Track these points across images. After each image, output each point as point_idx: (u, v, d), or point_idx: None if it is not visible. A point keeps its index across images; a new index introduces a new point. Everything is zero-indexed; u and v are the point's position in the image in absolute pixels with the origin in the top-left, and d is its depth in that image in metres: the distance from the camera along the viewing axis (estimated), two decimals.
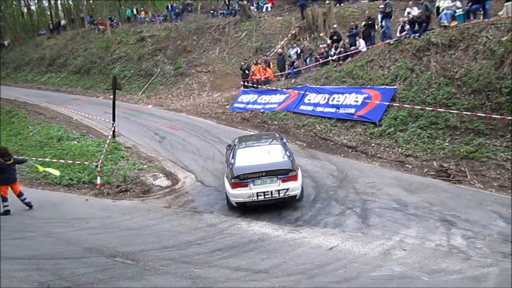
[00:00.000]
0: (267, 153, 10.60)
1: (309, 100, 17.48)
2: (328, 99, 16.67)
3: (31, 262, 7.98)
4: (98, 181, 13.28)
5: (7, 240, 9.27)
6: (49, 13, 50.80)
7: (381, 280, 6.60)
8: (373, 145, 14.08)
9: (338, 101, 16.29)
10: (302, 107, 17.60)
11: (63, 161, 14.81)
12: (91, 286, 6.86)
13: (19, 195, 11.31)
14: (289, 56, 21.23)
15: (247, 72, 21.75)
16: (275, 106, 18.85)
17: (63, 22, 43.23)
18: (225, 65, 26.35)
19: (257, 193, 9.77)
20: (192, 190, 12.38)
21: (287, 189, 9.79)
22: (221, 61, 26.87)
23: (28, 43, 43.30)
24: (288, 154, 10.56)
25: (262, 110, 19.15)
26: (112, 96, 17.55)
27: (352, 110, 15.57)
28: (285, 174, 9.86)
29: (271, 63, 21.90)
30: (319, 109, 16.86)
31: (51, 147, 16.90)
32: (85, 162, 14.47)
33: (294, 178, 9.95)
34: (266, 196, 9.80)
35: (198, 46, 28.94)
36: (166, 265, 7.55)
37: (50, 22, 45.55)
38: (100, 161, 14.12)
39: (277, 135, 12.39)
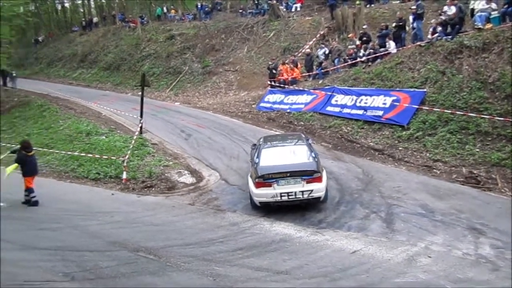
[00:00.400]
0: (292, 154, 10.52)
1: (336, 101, 17.31)
2: (356, 101, 16.47)
3: (56, 253, 8.17)
4: (124, 176, 13.47)
5: (35, 231, 9.55)
6: (82, 10, 52.02)
7: (404, 287, 6.46)
8: (400, 148, 13.83)
9: (365, 103, 16.07)
10: (329, 108, 17.43)
11: (91, 155, 15.09)
12: (114, 279, 6.96)
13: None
14: (317, 56, 21.08)
15: (274, 71, 21.70)
16: (301, 106, 18.74)
17: (95, 19, 44.09)
18: (252, 65, 26.36)
19: (281, 193, 9.71)
20: (216, 188, 12.42)
21: (311, 191, 9.70)
22: (248, 60, 26.89)
23: (61, 40, 44.39)
24: (313, 155, 10.46)
25: (288, 110, 19.06)
26: (140, 93, 17.78)
27: (380, 113, 15.33)
28: (310, 175, 9.77)
29: (298, 63, 21.79)
30: (346, 110, 16.67)
31: (80, 141, 17.24)
32: (112, 157, 14.71)
33: (319, 179, 9.85)
34: (289, 197, 9.72)
35: (227, 45, 29.05)
36: (188, 262, 7.62)
37: (83, 19, 46.63)
38: (127, 156, 14.32)
39: (303, 136, 12.28)
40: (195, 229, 9.43)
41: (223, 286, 6.70)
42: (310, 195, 9.72)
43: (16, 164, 11.41)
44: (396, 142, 14.19)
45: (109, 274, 7.17)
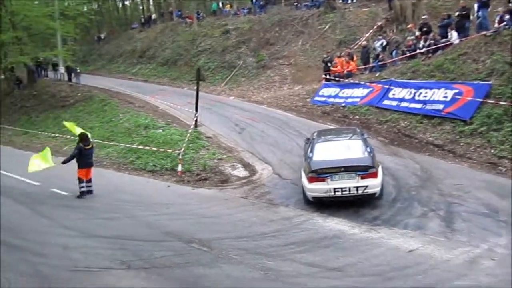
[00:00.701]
0: (346, 148, 10.27)
1: (393, 94, 16.74)
2: (415, 94, 15.83)
3: (115, 241, 8.52)
4: (179, 168, 13.79)
5: (95, 220, 9.99)
6: (141, 8, 53.66)
7: None
8: (462, 144, 13.14)
9: (425, 96, 15.40)
10: (385, 102, 16.90)
11: (148, 148, 15.58)
12: (168, 269, 7.15)
13: (89, 180, 11.92)
14: (374, 48, 20.48)
15: (329, 65, 21.34)
16: (357, 100, 18.30)
17: (153, 16, 45.32)
18: (307, 58, 26.05)
19: (335, 188, 9.50)
20: (269, 182, 12.42)
21: (366, 186, 9.44)
22: (303, 53, 26.61)
23: (122, 36, 45.97)
24: (369, 150, 10.20)
25: (343, 104, 18.68)
26: (196, 87, 18.08)
27: (441, 106, 14.64)
28: (365, 170, 9.52)
29: (354, 56, 21.28)
30: (404, 104, 16.08)
31: (138, 134, 17.83)
32: (169, 150, 15.09)
33: (374, 175, 9.56)
34: (343, 192, 9.52)
35: (281, 38, 28.89)
36: (240, 254, 7.66)
37: (142, 16, 48.15)
38: (182, 149, 14.65)
39: (358, 130, 11.97)
40: (248, 223, 9.47)
41: (274, 280, 6.68)
42: (365, 191, 9.46)
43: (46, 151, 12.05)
44: (458, 137, 13.49)
45: (163, 264, 7.38)
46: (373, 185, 9.52)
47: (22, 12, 28.55)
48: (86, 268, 7.38)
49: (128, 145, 16.55)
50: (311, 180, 9.75)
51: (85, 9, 40.34)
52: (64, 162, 11.92)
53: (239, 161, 14.49)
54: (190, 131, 16.44)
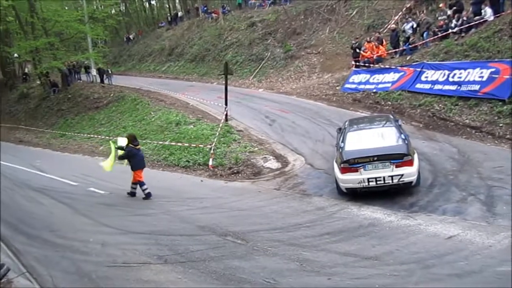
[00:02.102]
0: (379, 136, 9.93)
1: (426, 77, 16.26)
2: (448, 76, 15.32)
3: (151, 237, 8.66)
4: (210, 163, 13.89)
5: (131, 216, 10.18)
6: (167, 6, 54.14)
7: (508, 276, 5.84)
8: (501, 125, 12.64)
9: (459, 77, 14.88)
10: (418, 86, 16.44)
11: (180, 144, 15.76)
12: (204, 263, 7.21)
13: (135, 182, 11.65)
14: (404, 31, 19.92)
15: (358, 51, 20.94)
16: (388, 85, 17.88)
17: (180, 13, 45.67)
18: (335, 45, 25.67)
19: (368, 178, 9.21)
20: (302, 173, 12.33)
21: (402, 175, 9.08)
22: (331, 41, 26.23)
23: (150, 36, 46.59)
24: (403, 137, 9.81)
25: (374, 90, 18.29)
26: (224, 82, 18.12)
27: (476, 87, 14.11)
28: (400, 159, 9.14)
29: (383, 40, 20.79)
30: (437, 87, 15.59)
31: (170, 131, 18.05)
32: (200, 145, 15.22)
33: (410, 163, 9.19)
34: (378, 182, 9.20)
35: (308, 27, 28.57)
36: (275, 246, 7.64)
37: (169, 14, 48.56)
38: (214, 144, 14.73)
39: (391, 117, 11.49)
40: (281, 214, 9.43)
41: (310, 271, 6.62)
42: (400, 180, 9.11)
43: (114, 156, 11.66)
44: (496, 118, 12.98)
45: (199, 258, 7.44)
46: (408, 173, 9.14)
47: (53, 18, 29.35)
48: (125, 263, 7.54)
49: (160, 142, 16.80)
50: (343, 170, 9.47)
51: (113, 11, 41.01)
52: (120, 158, 11.77)
53: (271, 153, 14.44)
54: (220, 125, 16.50)
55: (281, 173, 12.74)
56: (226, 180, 12.88)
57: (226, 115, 17.58)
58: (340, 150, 10.00)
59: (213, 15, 37.80)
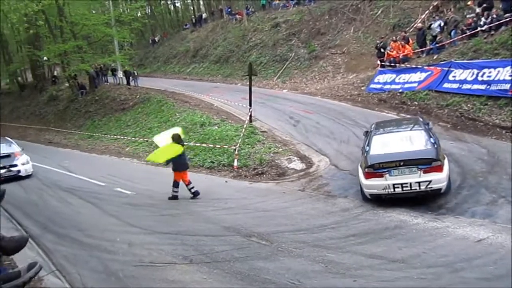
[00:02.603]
0: (407, 140, 9.54)
1: (454, 77, 15.95)
2: (477, 75, 14.98)
3: (176, 237, 8.75)
4: (235, 163, 13.93)
5: (157, 216, 10.30)
6: (191, 8, 54.63)
7: None
8: None
9: (489, 76, 14.54)
10: (446, 85, 16.13)
11: (205, 145, 15.86)
12: (229, 263, 7.23)
13: (187, 183, 11.53)
14: (430, 29, 19.55)
15: (383, 50, 20.68)
16: (415, 85, 17.60)
17: (204, 15, 46.03)
18: (360, 45, 25.43)
19: (394, 184, 8.82)
20: (326, 174, 12.26)
21: (430, 182, 8.64)
22: (356, 41, 25.99)
23: (175, 38, 47.11)
24: (432, 141, 9.36)
25: (400, 90, 18.04)
26: (248, 83, 18.16)
27: (507, 86, 13.74)
28: (428, 164, 8.71)
29: (410, 40, 20.47)
30: (466, 86, 15.27)
31: (195, 132, 18.19)
32: (225, 146, 15.30)
33: (439, 169, 8.72)
34: (404, 189, 8.80)
35: (332, 27, 28.38)
36: (299, 247, 7.61)
37: (193, 16, 49.02)
38: (238, 145, 14.79)
39: (421, 120, 10.97)
40: (306, 215, 9.38)
41: (335, 272, 6.57)
42: (428, 186, 8.66)
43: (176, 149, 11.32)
44: None
45: (224, 258, 7.47)
46: (437, 180, 8.68)
47: (81, 21, 29.99)
48: (151, 263, 7.63)
49: (185, 143, 16.91)
50: (367, 175, 9.13)
51: (139, 14, 41.60)
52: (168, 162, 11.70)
53: (295, 153, 14.40)
54: (245, 126, 16.56)
55: (305, 174, 12.69)
56: (251, 181, 12.91)
57: (251, 116, 17.62)
58: (365, 154, 9.69)
59: (237, 16, 37.97)
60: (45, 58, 35.54)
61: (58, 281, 7.22)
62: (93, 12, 36.82)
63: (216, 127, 18.07)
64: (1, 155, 15.89)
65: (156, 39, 50.25)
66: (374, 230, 8.07)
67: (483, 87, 14.59)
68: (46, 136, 29.44)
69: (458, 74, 15.80)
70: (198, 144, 16.23)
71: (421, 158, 8.85)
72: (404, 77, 18.51)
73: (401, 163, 8.82)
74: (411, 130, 10.14)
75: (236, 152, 14.33)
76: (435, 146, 9.26)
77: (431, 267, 6.36)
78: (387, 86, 18.93)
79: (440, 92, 16.22)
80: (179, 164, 11.40)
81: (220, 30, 39.10)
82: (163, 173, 14.23)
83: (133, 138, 21.18)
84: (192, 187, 11.52)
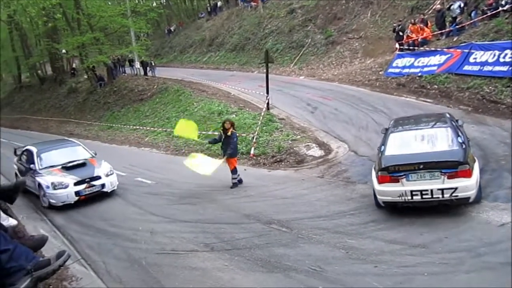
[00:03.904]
0: (429, 139, 8.24)
1: (475, 59, 15.61)
2: (499, 56, 14.64)
3: (197, 225, 8.88)
4: (252, 151, 13.98)
5: (178, 205, 10.43)
6: None
7: None
8: None
9: (511, 57, 14.20)
10: (466, 68, 15.81)
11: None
12: (249, 250, 7.31)
13: (233, 171, 11.44)
14: (450, 10, 19.13)
15: (401, 34, 20.33)
16: (434, 68, 17.30)
17: (219, 3, 45.79)
18: (377, 29, 25.01)
19: (412, 191, 7.56)
20: (345, 160, 12.21)
21: (455, 189, 7.36)
22: (373, 25, 25.58)
23: (190, 27, 47.05)
24: (460, 141, 7.99)
25: (419, 74, 17.75)
26: (265, 70, 18.10)
27: None
28: (453, 168, 7.41)
29: (428, 22, 20.07)
30: (487, 68, 14.95)
31: (213, 121, 18.26)
32: (243, 134, 15.31)
33: (466, 173, 7.41)
34: (424, 196, 7.53)
35: (349, 11, 27.96)
36: (319, 234, 7.65)
37: (208, 5, 48.79)
38: (256, 132, 14.80)
39: (447, 116, 9.48)
40: (325, 202, 9.38)
41: (356, 258, 6.58)
42: (453, 194, 7.38)
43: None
44: None
45: (244, 245, 7.56)
46: (464, 187, 7.38)
47: (98, 13, 30.22)
48: (173, 251, 7.77)
49: (204, 132, 17.03)
50: (381, 179, 7.89)
51: (154, 4, 41.71)
52: (210, 142, 12.19)
53: (314, 140, 14.36)
54: (262, 114, 16.54)
55: (324, 160, 12.65)
56: (269, 168, 12.94)
57: (268, 103, 17.58)
58: (380, 154, 8.51)
59: (252, 3, 37.67)
60: (63, 50, 35.95)
61: (84, 269, 7.41)
62: (109, 3, 37.05)
63: (234, 116, 18.07)
64: (73, 164, 11.77)
65: (172, 28, 50.26)
66: (394, 215, 8.03)
67: (505, 68, 14.26)
68: (67, 128, 29.92)
69: (479, 56, 15.46)
70: (217, 133, 16.27)
71: (446, 161, 7.56)
72: (423, 60, 18.20)
73: (421, 166, 7.59)
74: (435, 127, 8.75)
75: (254, 140, 14.35)
76: (463, 146, 7.91)
77: (454, 252, 6.32)
78: (406, 70, 18.64)
79: (460, 75, 15.92)
80: (223, 149, 11.47)
81: (235, 18, 38.90)
82: (181, 163, 14.35)
83: (152, 128, 21.37)
84: (235, 178, 11.44)
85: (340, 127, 14.94)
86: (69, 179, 11.13)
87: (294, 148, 13.84)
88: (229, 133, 11.29)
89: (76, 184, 11.09)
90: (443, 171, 7.47)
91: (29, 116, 36.91)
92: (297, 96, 20.14)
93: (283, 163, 13.16)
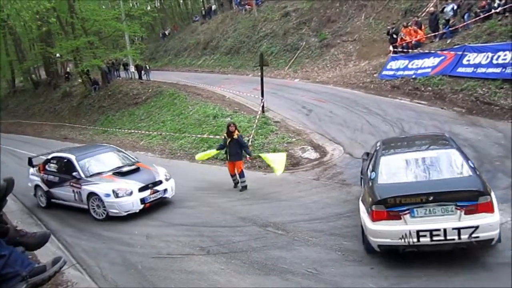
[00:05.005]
0: (433, 164, 6.69)
1: (468, 61, 15.71)
2: (492, 58, 14.76)
3: (193, 228, 8.86)
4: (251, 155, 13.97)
5: (173, 209, 10.40)
6: (201, 0, 54.48)
7: None
8: None
9: (504, 59, 14.31)
10: (460, 70, 15.92)
11: (218, 137, 15.88)
12: (246, 253, 7.31)
13: (240, 174, 11.43)
14: (443, 12, 19.25)
15: (395, 36, 20.44)
16: (428, 70, 17.39)
17: (213, 7, 45.85)
18: (371, 32, 25.15)
19: (418, 231, 5.88)
20: (341, 162, 12.24)
21: (475, 228, 5.74)
22: (367, 28, 25.71)
23: (185, 30, 47.06)
24: (472, 166, 6.57)
25: (413, 76, 17.85)
26: (260, 73, 18.11)
27: None
28: (472, 200, 5.85)
29: (422, 25, 20.19)
30: (480, 70, 15.06)
31: (208, 124, 18.24)
32: None
33: (488, 207, 5.88)
34: (434, 238, 5.87)
35: (343, 14, 28.10)
36: (315, 236, 7.66)
37: (202, 8, 48.84)
38: (251, 135, 14.80)
39: (447, 136, 8.06)
40: (321, 204, 9.39)
41: (352, 260, 6.59)
42: (473, 235, 5.76)
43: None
44: None
45: (241, 248, 7.56)
46: (487, 225, 5.78)
47: (92, 17, 30.14)
48: (169, 254, 7.75)
49: (199, 136, 17.04)
50: (376, 216, 6.14)
51: (149, 8, 41.68)
52: (218, 149, 12.03)
53: (309, 143, 14.38)
54: (257, 117, 16.55)
55: (319, 163, 12.68)
56: (265, 171, 12.91)
57: (263, 106, 17.59)
58: (370, 183, 6.72)
59: (247, 7, 37.76)
60: (57, 55, 35.86)
61: (79, 274, 7.37)
62: (103, 7, 36.99)
63: (229, 119, 18.04)
64: (127, 169, 10.77)
65: (167, 32, 50.27)
66: None
67: (498, 70, 14.37)
68: (61, 132, 29.75)
69: (472, 58, 15.57)
70: (212, 136, 16.28)
71: (463, 191, 5.97)
72: (417, 62, 18.30)
73: (431, 198, 5.93)
74: (437, 149, 7.18)
75: (250, 143, 14.34)
76: (477, 172, 6.46)
77: (450, 252, 6.33)
78: (400, 72, 18.74)
79: (454, 76, 16.02)
80: (227, 153, 11.42)
81: (230, 21, 38.96)
82: (177, 166, 14.37)
83: (147, 132, 21.32)
84: (243, 181, 11.41)
85: (335, 130, 14.97)
86: (133, 185, 10.03)
87: (290, 151, 13.83)
88: (235, 136, 11.26)
89: (140, 190, 10.07)
90: (459, 204, 5.87)
91: (23, 121, 36.68)
92: (292, 99, 20.18)
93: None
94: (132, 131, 22.89)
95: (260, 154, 12.46)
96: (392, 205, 6.04)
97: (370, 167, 7.30)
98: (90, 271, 7.53)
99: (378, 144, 8.06)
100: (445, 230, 5.82)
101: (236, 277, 6.63)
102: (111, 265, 7.68)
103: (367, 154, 8.78)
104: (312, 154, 13.49)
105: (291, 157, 13.42)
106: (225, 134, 11.52)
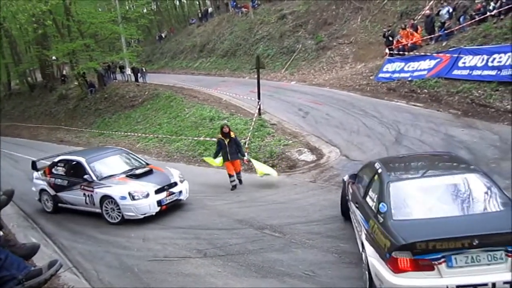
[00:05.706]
0: (461, 193, 5.38)
1: (464, 63, 15.77)
2: (487, 61, 14.81)
3: (190, 231, 8.85)
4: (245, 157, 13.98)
5: (170, 211, 10.37)
6: (197, 2, 54.57)
7: None
8: None
9: (499, 61, 14.36)
10: (455, 72, 15.97)
11: (215, 139, 15.86)
12: (242, 256, 7.31)
13: (238, 173, 11.83)
14: (438, 15, 19.34)
15: (391, 39, 20.51)
16: (424, 73, 17.45)
17: (210, 9, 45.94)
18: (368, 34, 25.23)
19: (459, 287, 4.50)
20: (337, 165, 12.24)
21: None
22: (363, 30, 25.79)
23: (182, 33, 47.12)
24: (505, 195, 5.27)
25: (409, 79, 17.90)
26: (256, 76, 18.13)
27: None
28: None
29: (418, 27, 20.28)
30: (476, 72, 15.10)
31: (204, 127, 18.23)
32: None
33: None
34: None
35: (339, 17, 28.19)
36: (312, 239, 7.66)
37: (199, 11, 48.95)
38: (248, 138, 14.80)
39: (454, 155, 7.11)
40: (318, 206, 9.39)
41: (349, 262, 6.60)
42: None
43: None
44: None
45: (237, 251, 7.55)
46: None
47: (88, 20, 30.11)
48: (165, 257, 7.74)
49: (195, 138, 17.03)
50: (399, 267, 4.63)
51: (145, 10, 41.66)
52: (215, 156, 12.13)
53: (305, 145, 14.39)
54: (254, 119, 16.56)
55: (316, 165, 12.69)
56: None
57: (259, 109, 17.61)
58: (381, 218, 5.22)
59: (243, 9, 37.83)
60: (53, 57, 35.71)
61: (75, 277, 7.34)
62: (100, 10, 36.96)
63: (226, 121, 18.05)
64: (140, 171, 10.57)
65: (163, 35, 50.31)
66: None
67: (493, 72, 14.43)
68: (57, 135, 29.68)
69: (468, 60, 15.62)
70: (208, 139, 16.27)
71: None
72: (413, 65, 18.36)
73: (476, 242, 4.51)
74: (458, 172, 5.84)
75: (246, 146, 14.34)
76: None
77: None
78: (396, 75, 18.80)
79: (450, 79, 16.07)
80: (225, 153, 11.57)
81: (226, 23, 39.02)
82: (174, 168, 14.31)
83: (143, 135, 21.29)
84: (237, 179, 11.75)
85: (332, 132, 14.99)
86: (150, 187, 9.85)
87: (286, 153, 13.85)
88: (232, 135, 11.53)
89: (156, 192, 9.91)
90: (510, 249, 4.49)
91: (19, 124, 36.58)
92: (288, 101, 20.20)
93: (275, 168, 13.09)
94: (129, 133, 22.85)
95: (252, 160, 12.54)
96: (424, 251, 4.56)
97: (373, 195, 5.85)
98: (87, 274, 7.50)
99: (377, 165, 6.37)
100: (493, 284, 4.43)
101: (233, 279, 6.62)
102: (108, 268, 7.66)
103: (355, 176, 7.54)
104: (308, 157, 13.49)
105: (287, 160, 13.45)
106: (221, 136, 11.58)
